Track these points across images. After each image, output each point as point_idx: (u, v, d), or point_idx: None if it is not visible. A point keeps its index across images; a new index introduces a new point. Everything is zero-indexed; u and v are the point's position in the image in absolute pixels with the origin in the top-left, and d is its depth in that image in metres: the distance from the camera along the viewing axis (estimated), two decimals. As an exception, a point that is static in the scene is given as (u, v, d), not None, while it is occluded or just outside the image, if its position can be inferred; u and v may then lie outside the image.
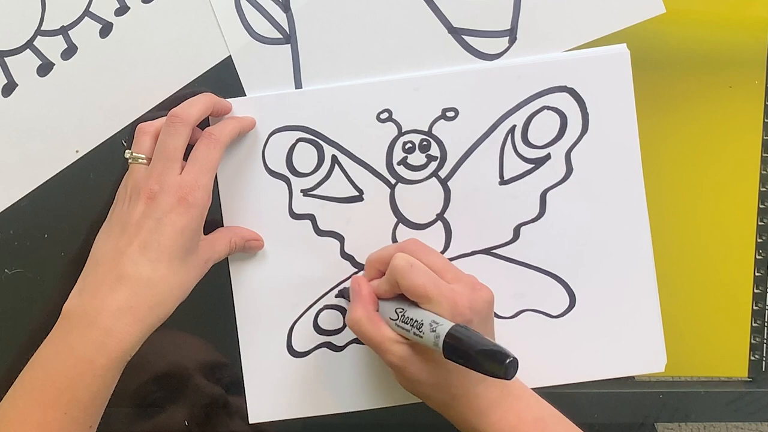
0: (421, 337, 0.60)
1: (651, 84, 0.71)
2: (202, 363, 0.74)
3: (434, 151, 0.71)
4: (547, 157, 0.71)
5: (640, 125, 0.70)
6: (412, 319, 0.62)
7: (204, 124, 0.68)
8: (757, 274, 0.74)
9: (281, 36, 0.71)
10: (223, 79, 0.71)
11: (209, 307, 0.72)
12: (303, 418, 0.73)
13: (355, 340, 0.73)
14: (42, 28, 0.71)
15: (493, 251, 0.72)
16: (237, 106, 0.70)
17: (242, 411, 0.73)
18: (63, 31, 0.71)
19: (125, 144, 0.71)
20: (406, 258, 0.64)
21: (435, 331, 0.59)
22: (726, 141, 0.73)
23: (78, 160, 0.72)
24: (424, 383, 0.64)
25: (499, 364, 0.56)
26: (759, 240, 0.73)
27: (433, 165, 0.71)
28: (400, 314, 0.63)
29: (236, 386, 0.73)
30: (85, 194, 0.72)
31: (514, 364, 0.56)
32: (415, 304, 0.63)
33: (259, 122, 0.71)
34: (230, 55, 0.71)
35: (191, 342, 0.74)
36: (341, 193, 0.71)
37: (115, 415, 0.71)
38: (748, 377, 0.74)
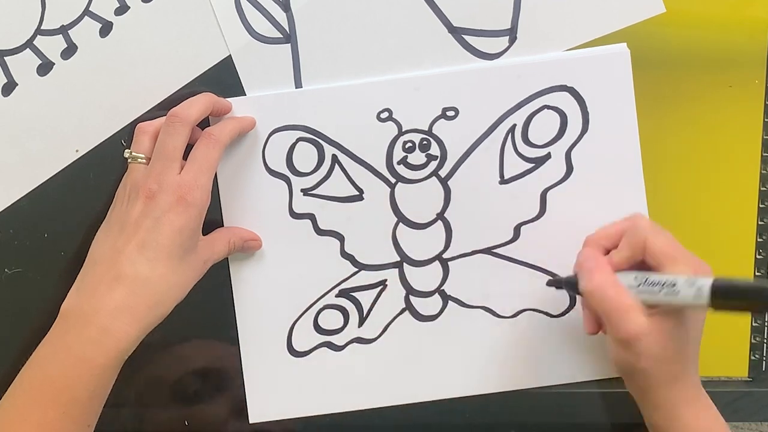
0: (677, 294, 0.59)
1: (651, 84, 0.71)
2: (200, 361, 0.74)
3: (434, 150, 0.71)
4: (548, 156, 0.71)
5: (640, 125, 0.70)
6: (660, 281, 0.60)
7: (204, 123, 0.68)
8: (757, 274, 0.74)
9: (281, 36, 0.71)
10: (223, 79, 0.71)
11: (209, 307, 0.72)
12: (303, 418, 0.73)
13: (356, 340, 0.73)
14: (42, 28, 0.71)
15: (494, 250, 0.72)
16: (237, 105, 0.70)
17: (240, 409, 0.73)
18: (63, 30, 0.71)
19: (125, 144, 0.71)
20: (649, 221, 0.64)
21: (694, 285, 0.58)
22: (726, 141, 0.73)
23: (78, 159, 0.72)
24: (653, 357, 0.61)
25: None
26: (759, 240, 0.73)
27: (434, 164, 0.71)
28: (641, 280, 0.61)
29: (237, 382, 0.73)
30: (85, 194, 0.72)
31: None
32: (651, 272, 0.62)
33: (259, 122, 0.71)
34: (230, 55, 0.71)
35: (186, 343, 0.73)
36: (341, 192, 0.71)
37: (119, 414, 0.72)
38: (748, 377, 0.74)
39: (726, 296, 0.57)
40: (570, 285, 0.67)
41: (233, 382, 0.73)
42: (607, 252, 0.66)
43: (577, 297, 0.72)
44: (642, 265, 0.64)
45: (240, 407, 0.73)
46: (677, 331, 0.61)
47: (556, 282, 0.70)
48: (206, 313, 0.72)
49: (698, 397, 0.64)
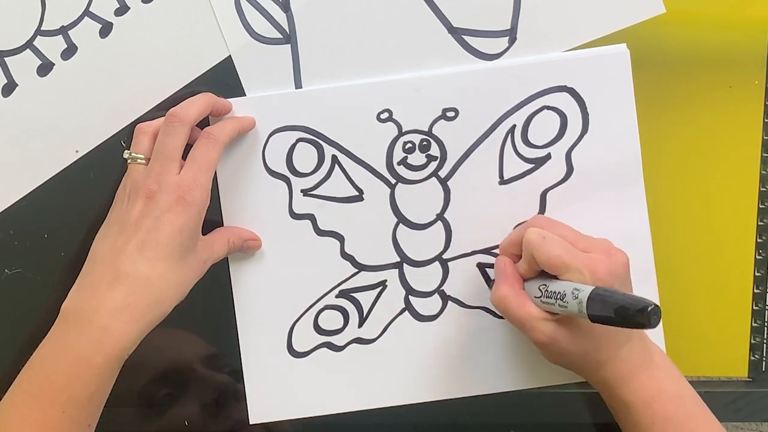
0: (566, 307, 0.60)
1: (651, 84, 0.71)
2: (202, 355, 0.74)
3: (434, 151, 0.71)
4: (548, 156, 0.71)
5: (640, 125, 0.70)
6: (554, 292, 0.62)
7: (204, 123, 0.68)
8: (757, 274, 0.74)
9: (281, 36, 0.71)
10: (223, 79, 0.71)
11: (209, 307, 0.72)
12: (303, 417, 0.73)
13: (356, 340, 0.73)
14: (42, 28, 0.71)
15: (493, 251, 0.72)
16: (237, 106, 0.70)
17: None
18: (63, 31, 0.71)
19: (124, 144, 0.71)
20: (538, 231, 0.64)
21: (577, 297, 0.59)
22: (726, 141, 0.73)
23: (78, 160, 0.72)
24: (571, 354, 0.64)
25: (641, 313, 0.56)
26: (759, 240, 0.73)
27: (433, 165, 0.71)
28: (543, 290, 0.63)
29: (238, 374, 0.73)
30: (85, 194, 0.72)
31: (656, 311, 0.56)
32: (556, 278, 0.63)
33: (259, 122, 0.71)
34: (230, 55, 0.71)
35: (187, 337, 0.74)
36: (341, 193, 0.71)
37: (124, 414, 0.72)
38: (748, 377, 0.74)
39: (597, 312, 0.58)
40: None
41: (235, 371, 0.73)
42: (518, 258, 0.68)
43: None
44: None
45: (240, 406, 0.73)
46: (584, 329, 0.63)
47: None
48: (206, 313, 0.72)
49: (633, 374, 0.65)
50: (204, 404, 0.73)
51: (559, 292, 0.61)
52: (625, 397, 0.65)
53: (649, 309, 0.56)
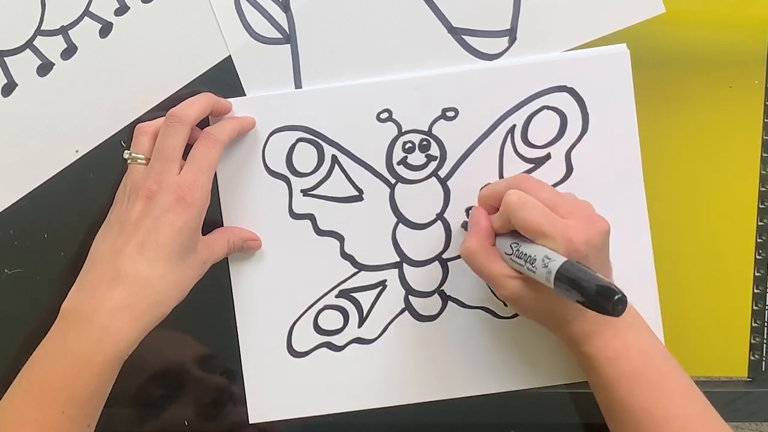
0: (534, 272, 0.60)
1: (651, 84, 0.71)
2: (198, 356, 0.74)
3: (434, 150, 0.71)
4: (547, 156, 0.71)
5: (639, 125, 0.70)
6: (525, 254, 0.61)
7: (204, 123, 0.68)
8: (757, 274, 0.74)
9: (281, 36, 0.71)
10: (223, 79, 0.71)
11: (209, 307, 0.72)
12: (303, 417, 0.73)
13: (356, 340, 0.73)
14: (42, 28, 0.71)
15: (493, 251, 0.72)
16: (237, 106, 0.70)
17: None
18: (63, 31, 0.71)
19: (124, 144, 0.71)
20: (518, 194, 0.63)
21: (547, 266, 0.59)
22: (726, 141, 0.73)
23: (78, 160, 0.72)
24: (537, 311, 0.65)
25: (607, 301, 0.55)
26: (759, 240, 0.73)
27: (433, 165, 0.71)
28: (514, 249, 0.63)
29: (235, 375, 0.73)
30: (85, 194, 0.72)
31: (622, 301, 0.55)
32: (530, 240, 0.62)
33: (259, 122, 0.71)
34: (230, 55, 0.71)
35: (183, 339, 0.73)
36: (341, 192, 0.71)
37: (119, 415, 0.72)
38: (748, 377, 0.74)
39: (566, 288, 0.58)
40: None
41: (231, 372, 0.73)
42: (495, 210, 0.66)
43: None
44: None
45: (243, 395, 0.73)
46: (550, 291, 0.61)
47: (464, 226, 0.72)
48: (206, 313, 0.72)
49: (597, 332, 0.64)
50: (199, 406, 0.73)
51: (531, 256, 0.61)
52: (590, 352, 0.65)
53: (616, 298, 0.55)
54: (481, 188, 0.70)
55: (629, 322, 0.65)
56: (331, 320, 0.73)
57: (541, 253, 0.60)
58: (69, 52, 0.71)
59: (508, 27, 0.71)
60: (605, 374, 0.64)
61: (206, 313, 0.72)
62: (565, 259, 0.59)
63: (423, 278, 0.72)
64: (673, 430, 0.63)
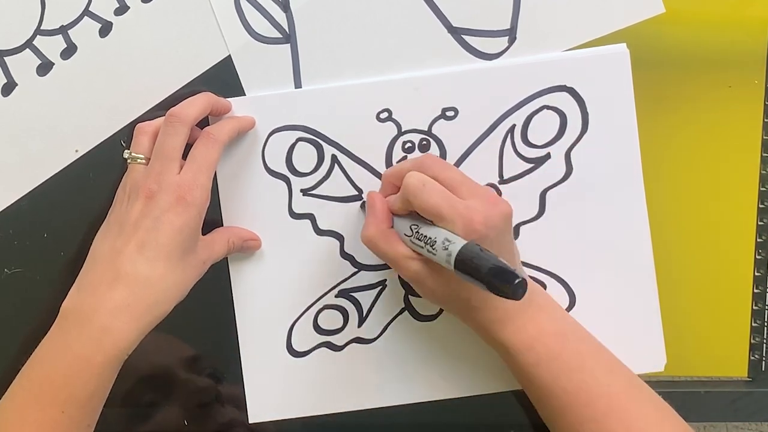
0: (435, 254, 0.60)
1: (651, 84, 0.71)
2: (183, 359, 0.74)
3: (434, 150, 0.71)
4: (547, 156, 0.71)
5: (639, 125, 0.70)
6: (425, 236, 0.61)
7: (204, 123, 0.68)
8: (757, 274, 0.74)
9: (281, 36, 0.71)
10: (223, 79, 0.71)
11: (209, 307, 0.72)
12: (303, 418, 0.73)
13: (355, 340, 0.73)
14: (41, 28, 0.71)
15: (493, 251, 0.72)
16: (237, 105, 0.70)
17: (234, 399, 0.73)
18: (62, 30, 0.71)
19: (124, 144, 0.71)
20: (418, 176, 0.63)
21: (447, 249, 0.59)
22: (726, 141, 0.73)
23: (78, 159, 0.72)
24: (441, 295, 0.64)
25: (507, 283, 0.55)
26: (759, 240, 0.73)
27: (433, 164, 0.71)
28: (414, 230, 0.62)
29: (224, 376, 0.73)
30: (85, 194, 0.72)
31: (522, 284, 0.55)
32: (430, 222, 0.62)
33: (258, 122, 0.71)
34: (230, 55, 0.71)
35: (169, 340, 0.73)
36: (341, 192, 0.71)
37: (119, 414, 0.72)
38: (748, 377, 0.74)
39: (464, 271, 0.57)
40: None
41: (218, 372, 0.73)
42: (398, 190, 0.66)
43: (577, 297, 0.72)
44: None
45: (231, 395, 0.73)
46: (452, 274, 0.61)
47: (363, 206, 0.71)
48: (206, 313, 0.72)
49: (508, 318, 0.64)
50: (199, 409, 0.73)
51: (431, 238, 0.60)
52: (504, 339, 0.64)
53: (516, 282, 0.55)
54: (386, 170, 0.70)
55: (541, 305, 0.65)
56: (330, 320, 0.73)
57: (441, 236, 0.60)
58: (69, 51, 0.71)
59: (508, 27, 0.71)
60: (523, 361, 0.64)
61: (206, 313, 0.72)
62: (465, 242, 0.58)
63: (423, 278, 0.72)
64: (599, 409, 0.62)
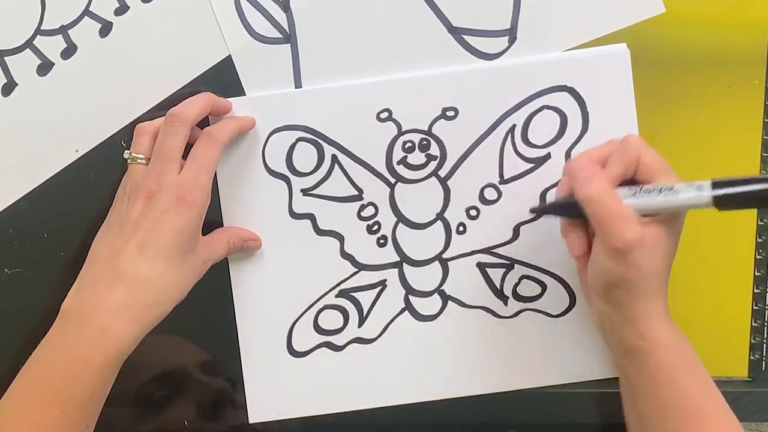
0: (677, 195, 0.59)
1: (651, 84, 0.71)
2: (200, 361, 0.74)
3: (434, 150, 0.71)
4: (547, 156, 0.71)
5: (639, 125, 0.70)
6: (655, 189, 0.60)
7: (204, 123, 0.68)
8: (757, 274, 0.73)
9: (281, 36, 0.71)
10: (223, 79, 0.71)
11: (209, 307, 0.72)
12: (303, 417, 0.73)
13: (356, 340, 0.73)
14: (42, 28, 0.71)
15: (493, 250, 0.72)
16: (237, 105, 0.70)
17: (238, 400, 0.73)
18: (63, 30, 0.71)
19: (124, 144, 0.71)
20: (639, 138, 0.63)
21: (694, 185, 0.58)
22: (726, 141, 0.73)
23: (78, 159, 0.72)
24: (640, 269, 0.61)
25: None
26: (759, 240, 0.73)
27: (433, 164, 0.71)
28: (637, 189, 0.61)
29: (237, 382, 0.73)
30: (85, 194, 0.72)
31: None
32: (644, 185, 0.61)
33: (258, 122, 0.71)
34: (230, 55, 0.71)
35: (184, 342, 0.73)
36: (341, 192, 0.71)
37: (119, 414, 0.72)
38: (748, 377, 0.74)
39: (729, 188, 0.57)
40: (565, 207, 0.65)
41: (234, 378, 0.73)
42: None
43: (577, 297, 0.72)
44: (630, 183, 0.63)
45: (244, 402, 0.73)
46: (667, 242, 0.61)
47: (541, 209, 0.69)
48: (206, 313, 0.72)
49: (668, 314, 0.64)
50: (199, 409, 0.73)
51: (664, 187, 0.59)
52: (658, 331, 0.62)
53: None
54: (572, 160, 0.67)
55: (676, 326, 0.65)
56: (331, 320, 0.73)
57: (675, 183, 0.59)
58: (69, 51, 0.71)
59: (508, 27, 0.71)
60: (664, 359, 0.62)
61: (206, 313, 0.72)
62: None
63: (423, 278, 0.72)
64: (720, 428, 0.63)
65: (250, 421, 0.73)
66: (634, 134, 0.63)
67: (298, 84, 0.71)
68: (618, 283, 0.62)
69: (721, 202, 0.58)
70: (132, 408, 0.73)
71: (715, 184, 0.58)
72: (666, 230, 0.61)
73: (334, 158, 0.71)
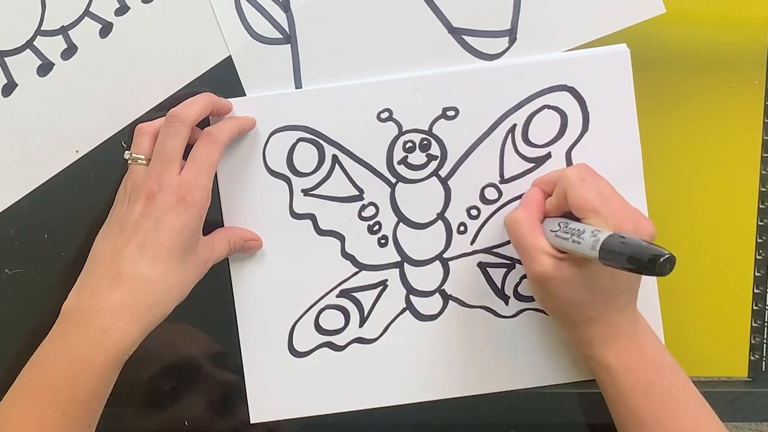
0: (580, 243, 0.60)
1: (651, 84, 0.71)
2: (212, 353, 0.74)
3: (434, 150, 0.71)
4: (548, 156, 0.71)
5: (640, 125, 0.70)
6: (573, 229, 0.61)
7: (204, 123, 0.68)
8: (757, 274, 0.74)
9: (281, 36, 0.71)
10: (223, 79, 0.71)
11: (210, 308, 0.72)
12: (303, 417, 0.73)
13: (357, 340, 0.73)
14: (42, 28, 0.71)
15: (494, 250, 0.72)
16: (237, 106, 0.70)
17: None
18: (63, 31, 0.71)
19: (125, 145, 0.71)
20: (578, 172, 0.65)
21: (595, 236, 0.59)
22: (726, 141, 0.73)
23: (78, 160, 0.72)
24: (562, 300, 0.64)
25: (654, 260, 0.55)
26: (759, 240, 0.73)
27: (434, 164, 0.71)
28: (562, 226, 0.63)
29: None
30: (85, 194, 0.72)
31: (671, 260, 0.55)
32: (579, 221, 0.63)
33: (259, 122, 0.71)
34: (230, 55, 0.71)
35: (195, 333, 0.73)
36: (342, 192, 0.71)
37: (128, 412, 0.72)
38: (748, 377, 0.74)
39: (611, 253, 0.58)
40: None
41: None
42: (549, 196, 0.67)
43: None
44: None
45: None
46: (583, 278, 0.62)
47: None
48: (206, 313, 0.72)
49: (617, 338, 0.64)
50: (209, 402, 0.73)
51: (578, 230, 0.61)
52: (606, 359, 0.65)
53: (664, 258, 0.55)
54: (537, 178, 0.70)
55: (645, 332, 0.66)
56: (332, 320, 0.73)
57: (590, 228, 0.60)
58: (69, 52, 0.71)
59: (508, 27, 0.71)
60: (620, 382, 0.65)
61: (207, 313, 0.72)
62: (613, 233, 0.59)
63: (424, 278, 0.72)
64: None
65: (251, 421, 0.73)
66: (574, 168, 0.65)
67: (298, 84, 0.71)
68: (551, 311, 0.66)
69: (603, 260, 0.58)
70: (136, 407, 0.73)
71: (603, 245, 0.58)
72: (581, 267, 0.62)
73: (335, 158, 0.71)
